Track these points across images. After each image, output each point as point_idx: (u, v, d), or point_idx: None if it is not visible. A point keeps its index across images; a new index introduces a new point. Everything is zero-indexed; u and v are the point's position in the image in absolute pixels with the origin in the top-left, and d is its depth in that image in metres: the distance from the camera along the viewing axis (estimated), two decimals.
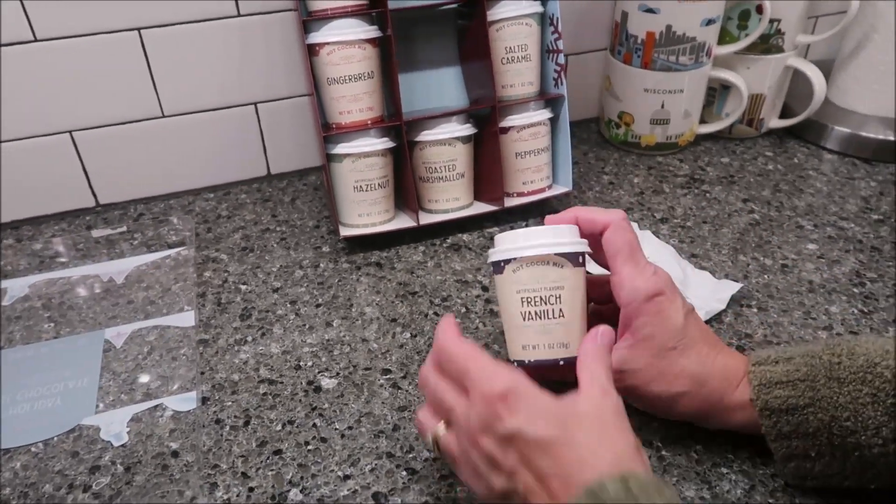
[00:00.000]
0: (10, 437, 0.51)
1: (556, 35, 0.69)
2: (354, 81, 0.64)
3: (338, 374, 0.55)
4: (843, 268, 0.65)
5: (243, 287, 0.66)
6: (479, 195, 0.73)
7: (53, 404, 0.54)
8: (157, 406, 0.53)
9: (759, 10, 0.78)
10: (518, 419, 0.36)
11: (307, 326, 0.60)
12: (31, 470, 0.48)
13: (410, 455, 0.48)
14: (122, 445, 0.50)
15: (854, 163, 0.83)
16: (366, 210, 0.68)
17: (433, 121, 0.67)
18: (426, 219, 0.70)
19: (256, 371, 0.56)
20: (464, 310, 0.61)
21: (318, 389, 0.54)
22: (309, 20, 0.63)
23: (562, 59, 0.70)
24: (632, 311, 0.44)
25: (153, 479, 0.47)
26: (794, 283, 0.63)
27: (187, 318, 0.61)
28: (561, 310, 0.44)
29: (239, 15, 0.72)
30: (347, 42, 0.63)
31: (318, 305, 0.63)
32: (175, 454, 0.49)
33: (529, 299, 0.44)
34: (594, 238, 0.47)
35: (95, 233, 0.74)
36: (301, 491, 0.46)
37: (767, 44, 0.82)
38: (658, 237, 0.69)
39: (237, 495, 0.46)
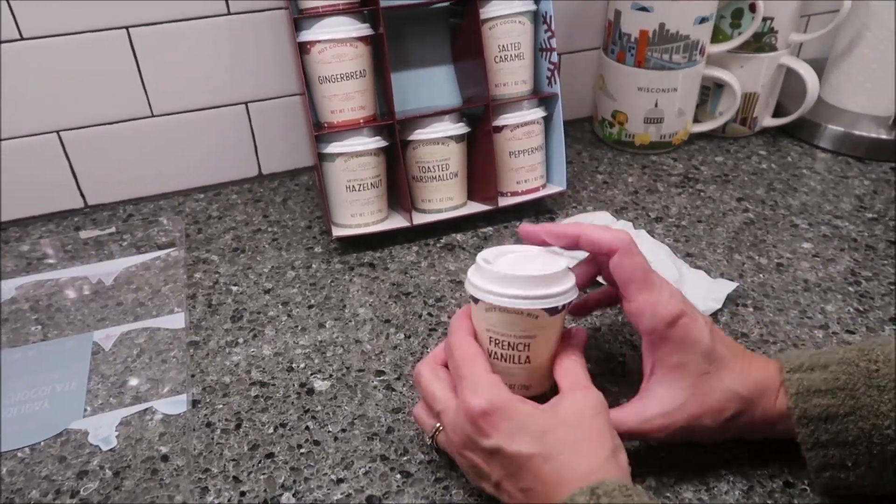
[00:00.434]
0: None
1: (549, 33, 0.69)
2: (346, 80, 0.64)
3: (331, 375, 0.55)
4: (838, 266, 0.65)
5: (234, 288, 0.65)
6: (472, 195, 0.73)
7: (41, 408, 0.53)
8: (146, 409, 0.52)
9: (752, 8, 0.78)
10: (498, 437, 0.38)
11: (299, 328, 0.60)
12: (17, 476, 0.47)
13: (405, 458, 0.48)
14: (111, 450, 0.49)
15: (847, 161, 0.83)
16: (358, 210, 0.68)
17: (426, 120, 0.67)
18: (419, 219, 0.70)
19: (248, 373, 0.55)
20: (457, 310, 0.61)
21: (310, 391, 0.53)
22: (300, 18, 0.63)
23: (555, 58, 0.69)
24: (656, 339, 0.43)
25: (142, 484, 0.46)
26: (789, 282, 0.63)
27: (177, 320, 0.61)
28: (528, 357, 0.43)
29: (229, 13, 0.71)
30: (339, 40, 0.62)
31: (310, 306, 0.62)
32: (165, 458, 0.48)
33: (497, 341, 0.43)
34: (599, 257, 0.46)
35: (84, 234, 0.73)
36: (294, 495, 0.46)
37: (760, 42, 0.81)
38: (653, 236, 0.69)
39: (228, 500, 0.45)
